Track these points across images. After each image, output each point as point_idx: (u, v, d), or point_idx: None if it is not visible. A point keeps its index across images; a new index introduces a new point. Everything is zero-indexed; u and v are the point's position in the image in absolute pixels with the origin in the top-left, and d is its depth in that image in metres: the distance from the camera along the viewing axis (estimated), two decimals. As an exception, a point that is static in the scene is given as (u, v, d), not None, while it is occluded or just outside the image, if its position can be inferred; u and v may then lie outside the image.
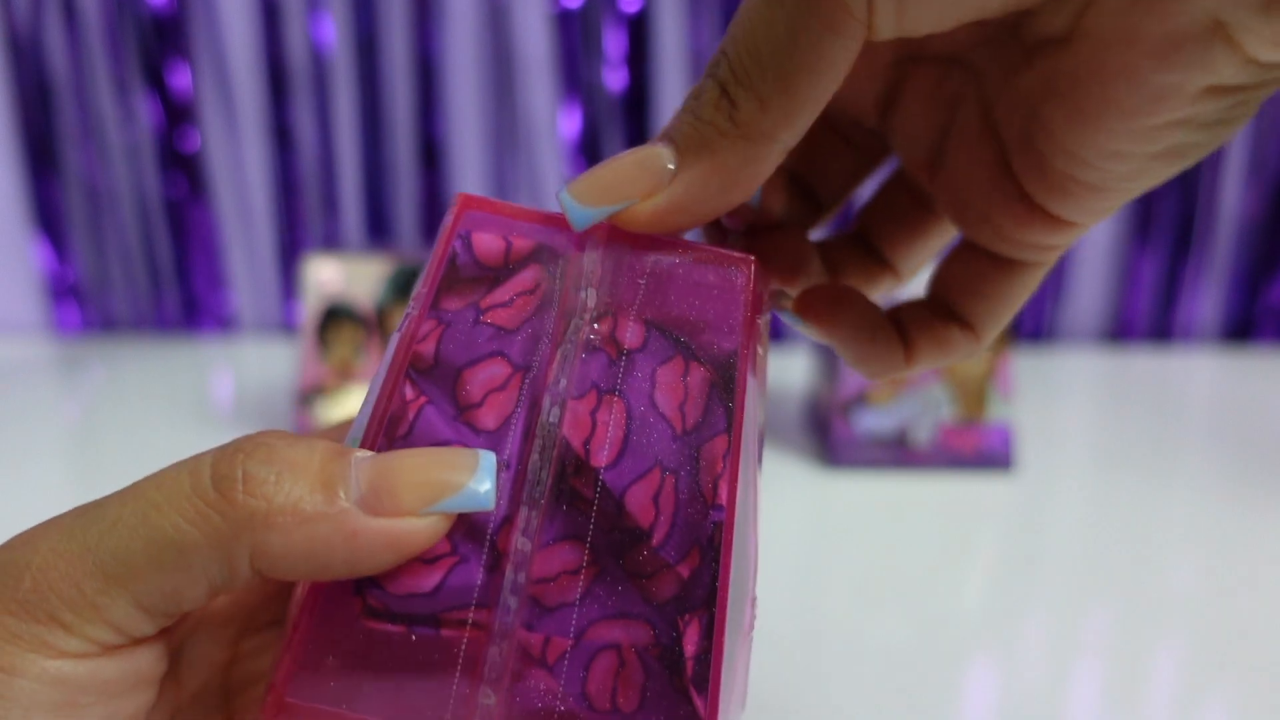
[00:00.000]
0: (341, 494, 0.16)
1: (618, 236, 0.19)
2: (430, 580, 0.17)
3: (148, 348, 0.81)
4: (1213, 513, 0.46)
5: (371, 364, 0.55)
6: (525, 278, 0.19)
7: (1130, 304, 0.86)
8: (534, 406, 0.18)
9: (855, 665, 0.32)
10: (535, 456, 0.18)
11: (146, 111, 0.80)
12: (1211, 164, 0.82)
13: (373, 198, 0.83)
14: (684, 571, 0.18)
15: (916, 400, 0.50)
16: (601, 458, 0.18)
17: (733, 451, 0.18)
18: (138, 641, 0.17)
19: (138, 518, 0.16)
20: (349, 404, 0.55)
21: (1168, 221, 0.84)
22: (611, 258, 0.19)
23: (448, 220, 0.19)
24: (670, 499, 0.18)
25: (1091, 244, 0.85)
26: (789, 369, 0.76)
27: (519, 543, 0.18)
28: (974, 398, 0.50)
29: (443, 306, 0.19)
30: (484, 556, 0.18)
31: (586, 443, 0.18)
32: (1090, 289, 0.87)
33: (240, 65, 0.80)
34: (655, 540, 0.18)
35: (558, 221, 0.19)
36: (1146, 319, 0.87)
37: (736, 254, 0.20)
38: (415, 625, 0.17)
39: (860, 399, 0.50)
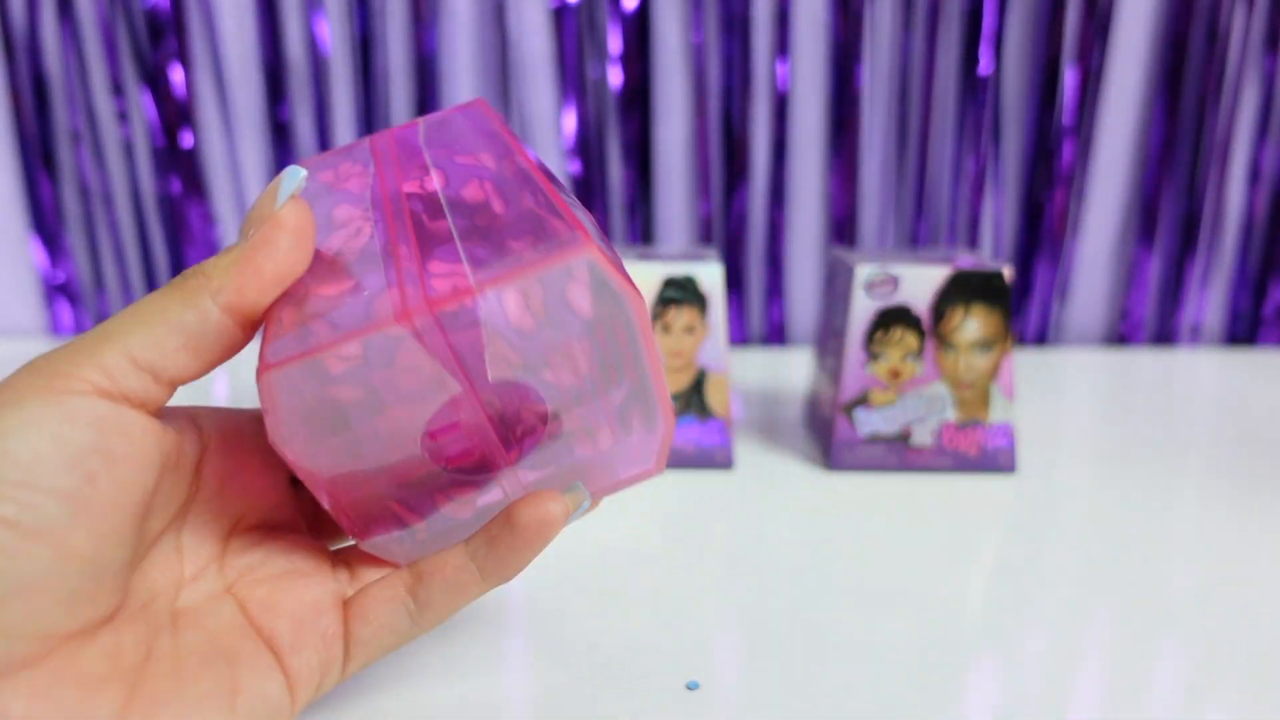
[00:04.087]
0: (239, 243, 0.24)
1: (393, 130, 0.30)
2: (348, 286, 0.24)
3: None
4: (1217, 515, 0.46)
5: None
6: (352, 169, 0.29)
7: (1133, 306, 0.85)
8: (377, 199, 0.27)
9: (855, 665, 0.32)
10: (394, 211, 0.26)
11: (143, 110, 0.80)
12: (1216, 165, 0.81)
13: (371, 197, 0.82)
14: (483, 195, 0.26)
15: (919, 401, 0.50)
16: (433, 185, 0.27)
17: (531, 165, 0.27)
18: (126, 398, 0.22)
19: (135, 306, 0.23)
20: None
21: (1171, 223, 0.83)
22: (395, 140, 0.29)
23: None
24: (491, 185, 0.26)
25: (1094, 246, 0.85)
26: (789, 369, 0.75)
27: (401, 254, 0.25)
28: (977, 399, 0.50)
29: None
30: (379, 263, 0.24)
31: (421, 187, 0.27)
32: (1093, 291, 0.86)
33: (237, 64, 0.80)
34: (496, 209, 0.25)
35: (357, 143, 0.30)
36: (1150, 321, 0.86)
37: (464, 104, 0.30)
38: (337, 304, 0.23)
39: (862, 400, 0.50)
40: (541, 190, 0.26)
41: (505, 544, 0.26)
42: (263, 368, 0.22)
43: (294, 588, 0.26)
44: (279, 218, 0.24)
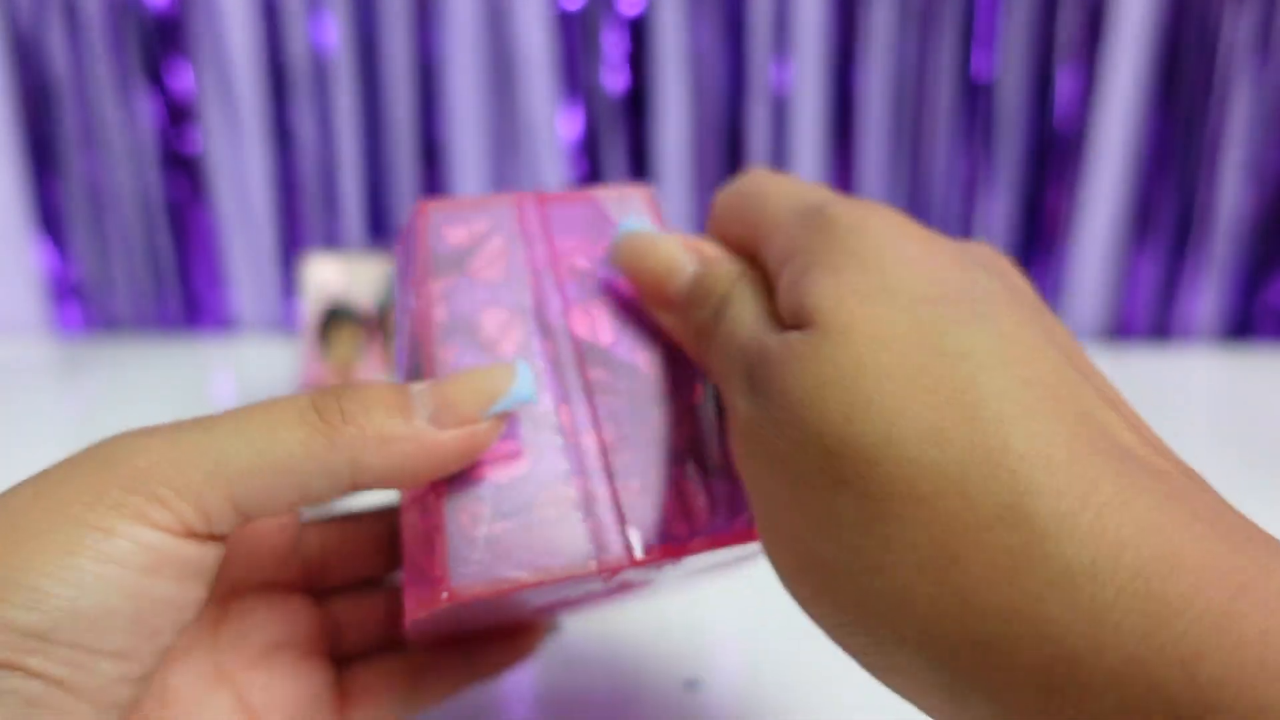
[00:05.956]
0: (416, 417, 0.20)
1: (545, 200, 0.25)
2: (522, 469, 0.22)
3: (149, 347, 0.81)
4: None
5: (372, 363, 0.56)
6: (494, 245, 0.24)
7: (1129, 302, 0.86)
8: (541, 325, 0.24)
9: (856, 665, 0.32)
10: (560, 357, 0.23)
11: (148, 112, 0.81)
12: (1209, 162, 0.82)
13: (373, 198, 0.83)
14: (696, 401, 0.24)
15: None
16: (607, 339, 0.24)
17: None
18: (211, 537, 0.19)
19: (253, 431, 0.19)
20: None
21: (1166, 219, 0.84)
22: (548, 217, 0.25)
23: (417, 225, 0.24)
24: (662, 354, 0.24)
25: (1089, 242, 0.86)
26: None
27: (577, 425, 0.23)
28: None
29: (440, 285, 0.23)
30: (556, 439, 0.22)
31: (592, 332, 0.24)
32: (1088, 287, 0.87)
33: (241, 66, 0.81)
34: (667, 389, 0.24)
35: (498, 201, 0.25)
36: (1145, 317, 0.87)
37: (629, 188, 0.26)
38: (522, 514, 0.21)
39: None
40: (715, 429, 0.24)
41: (497, 646, 0.27)
42: (446, 596, 0.20)
43: (289, 675, 0.24)
44: (479, 438, 0.20)
